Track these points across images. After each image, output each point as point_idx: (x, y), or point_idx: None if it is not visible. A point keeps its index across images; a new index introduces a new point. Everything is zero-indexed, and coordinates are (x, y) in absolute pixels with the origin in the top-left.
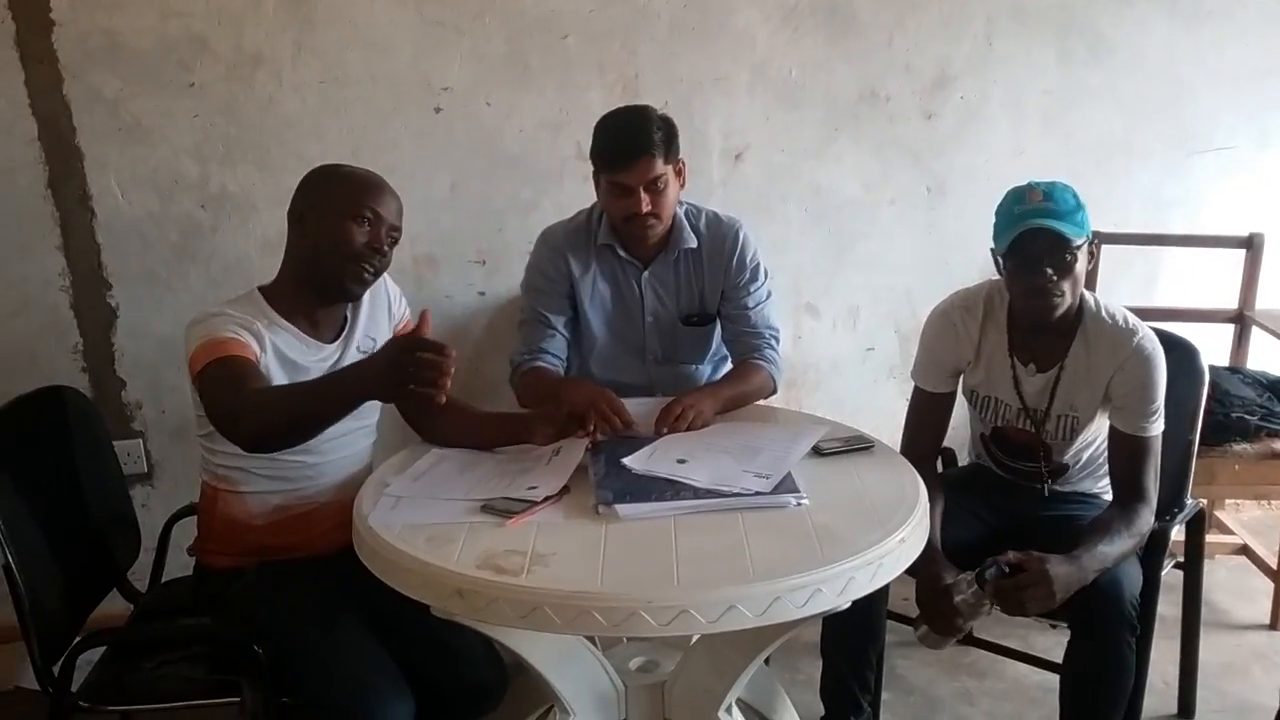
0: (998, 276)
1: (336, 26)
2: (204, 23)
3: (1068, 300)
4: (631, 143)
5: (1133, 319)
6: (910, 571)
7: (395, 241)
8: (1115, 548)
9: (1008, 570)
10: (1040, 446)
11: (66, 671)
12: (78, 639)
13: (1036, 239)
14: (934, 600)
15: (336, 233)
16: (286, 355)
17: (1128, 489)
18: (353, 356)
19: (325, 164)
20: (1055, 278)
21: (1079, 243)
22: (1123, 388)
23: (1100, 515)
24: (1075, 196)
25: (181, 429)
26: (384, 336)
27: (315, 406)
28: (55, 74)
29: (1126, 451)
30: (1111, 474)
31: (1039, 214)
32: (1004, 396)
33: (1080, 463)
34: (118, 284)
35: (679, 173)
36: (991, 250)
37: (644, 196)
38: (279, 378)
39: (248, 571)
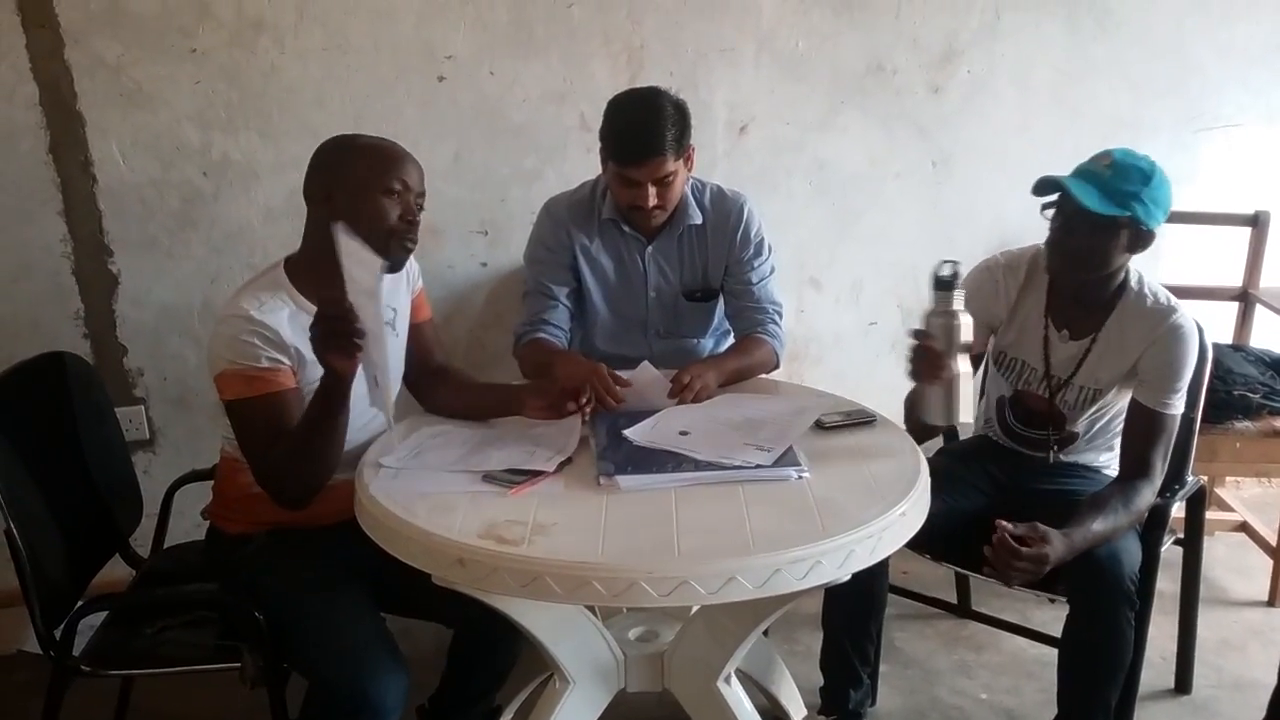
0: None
1: None
2: None
3: (1078, 267)
4: (644, 142)
5: (1173, 299)
6: None
7: (422, 208)
8: (1108, 524)
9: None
10: (1054, 414)
11: (68, 636)
12: (80, 604)
13: (1068, 198)
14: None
15: (371, 210)
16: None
17: (1134, 463)
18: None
19: (337, 137)
20: (1071, 240)
21: (1093, 217)
22: (1151, 362)
23: (1100, 491)
24: (1146, 181)
25: (183, 397)
26: (404, 305)
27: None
28: (57, 38)
29: (1142, 425)
30: (1123, 446)
31: (1086, 176)
32: (1031, 360)
33: (1089, 434)
34: (119, 250)
35: (689, 160)
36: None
37: (651, 190)
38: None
39: (257, 537)
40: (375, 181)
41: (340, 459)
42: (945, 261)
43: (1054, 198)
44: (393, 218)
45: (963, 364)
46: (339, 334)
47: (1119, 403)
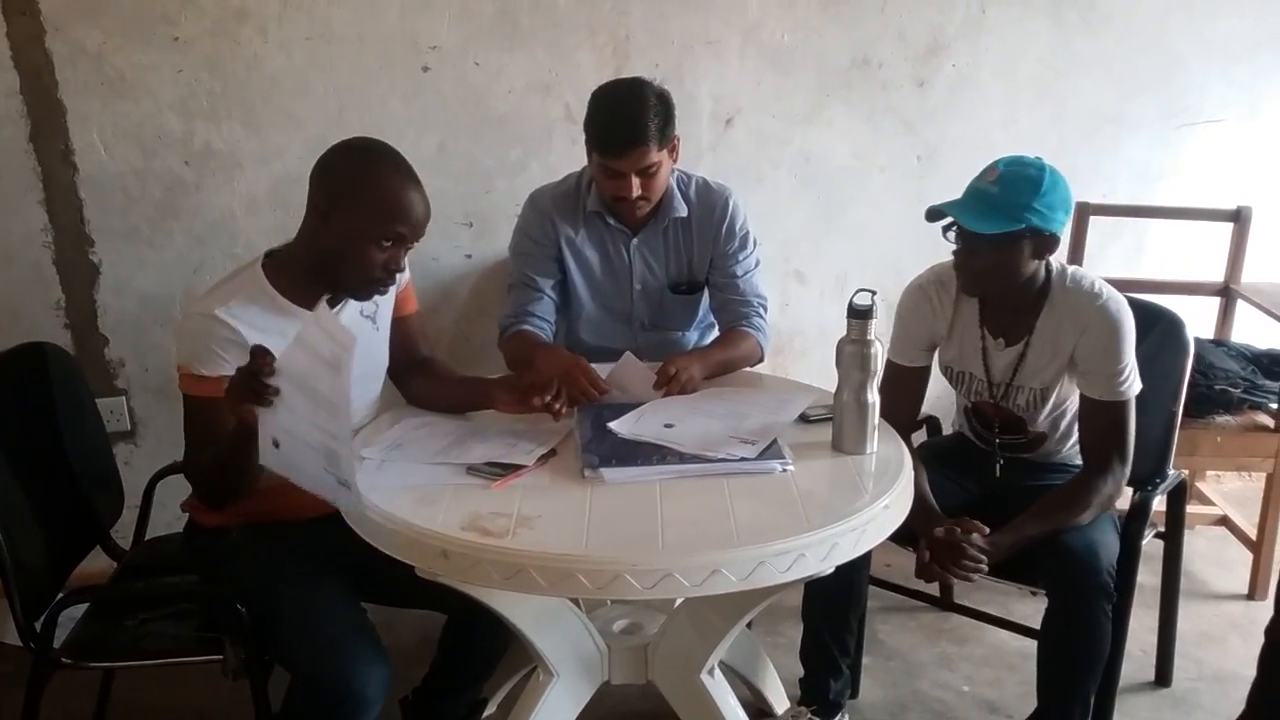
0: None
1: None
2: None
3: (988, 283)
4: (626, 132)
5: (1099, 284)
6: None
7: (415, 244)
8: (1046, 525)
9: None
10: (1002, 418)
11: (49, 628)
12: (60, 596)
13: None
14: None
15: (358, 250)
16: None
17: (1090, 458)
18: (352, 320)
19: (364, 150)
20: (975, 261)
21: (990, 236)
22: (1086, 350)
23: (1052, 492)
24: (1036, 190)
25: (164, 387)
26: (388, 301)
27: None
28: (37, 26)
29: (1092, 420)
30: (1080, 442)
31: (975, 196)
32: (974, 370)
33: (1059, 432)
34: (100, 240)
35: (673, 151)
36: None
37: (635, 181)
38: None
39: (234, 530)
40: (374, 228)
41: (256, 484)
42: (862, 290)
43: (952, 220)
44: (376, 269)
45: (872, 393)
46: (251, 388)
47: (1074, 395)
